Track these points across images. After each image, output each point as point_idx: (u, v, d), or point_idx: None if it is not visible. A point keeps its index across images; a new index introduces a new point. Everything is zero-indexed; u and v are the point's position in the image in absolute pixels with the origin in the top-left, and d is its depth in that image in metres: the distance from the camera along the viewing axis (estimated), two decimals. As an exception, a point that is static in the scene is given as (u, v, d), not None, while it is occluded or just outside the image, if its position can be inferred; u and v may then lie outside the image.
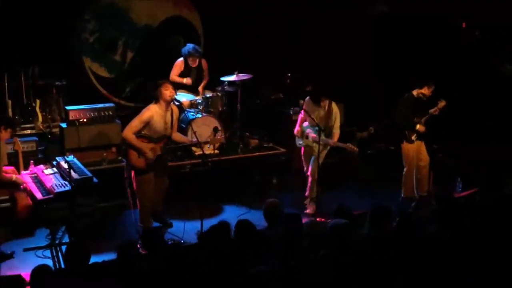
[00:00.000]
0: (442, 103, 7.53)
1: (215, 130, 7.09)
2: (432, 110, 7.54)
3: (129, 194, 6.99)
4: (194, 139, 6.60)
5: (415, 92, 7.55)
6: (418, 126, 7.55)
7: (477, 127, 9.21)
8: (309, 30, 9.82)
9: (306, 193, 7.50)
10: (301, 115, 7.52)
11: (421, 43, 9.58)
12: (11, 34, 8.11)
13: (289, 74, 8.82)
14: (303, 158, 7.62)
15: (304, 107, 7.38)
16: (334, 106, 7.37)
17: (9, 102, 8.02)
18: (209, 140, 6.93)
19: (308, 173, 7.44)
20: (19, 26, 8.18)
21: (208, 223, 6.66)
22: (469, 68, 9.42)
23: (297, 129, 7.53)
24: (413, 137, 7.61)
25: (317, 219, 6.86)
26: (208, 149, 7.40)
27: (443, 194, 5.57)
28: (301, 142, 7.54)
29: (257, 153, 8.57)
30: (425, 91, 7.50)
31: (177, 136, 6.84)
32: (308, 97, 7.45)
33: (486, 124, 9.16)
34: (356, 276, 4.14)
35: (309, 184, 7.44)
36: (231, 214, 7.43)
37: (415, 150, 7.65)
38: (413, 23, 9.66)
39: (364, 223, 4.94)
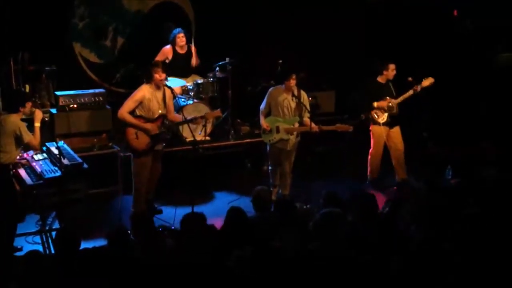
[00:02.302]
0: (428, 81, 7.52)
1: (206, 116, 7.08)
2: (413, 88, 7.55)
3: (121, 180, 6.99)
4: (189, 118, 6.71)
5: (379, 78, 7.67)
6: (376, 108, 7.61)
7: (469, 117, 9.25)
8: (302, 17, 9.79)
9: (286, 191, 7.26)
10: (262, 108, 7.19)
11: (413, 32, 9.58)
12: (0, 19, 8.03)
13: (281, 61, 8.80)
14: (271, 155, 7.27)
15: (268, 98, 7.14)
16: (303, 94, 7.16)
17: (-1, 87, 7.97)
18: (205, 114, 6.95)
19: (287, 169, 7.19)
20: (8, 11, 8.10)
21: (199, 209, 6.70)
22: (462, 57, 9.43)
23: (266, 124, 7.15)
24: (380, 120, 7.65)
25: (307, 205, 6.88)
26: (199, 136, 7.41)
27: (434, 181, 5.61)
28: (271, 138, 7.15)
29: (248, 140, 8.56)
30: (388, 74, 7.58)
31: (174, 117, 6.87)
32: (272, 88, 7.24)
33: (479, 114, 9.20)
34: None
35: (288, 182, 7.25)
36: (222, 200, 7.45)
37: (383, 133, 7.66)
38: (405, 11, 9.66)
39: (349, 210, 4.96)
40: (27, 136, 5.84)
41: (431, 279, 3.96)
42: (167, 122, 6.72)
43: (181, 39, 8.39)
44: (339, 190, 5.79)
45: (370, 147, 7.93)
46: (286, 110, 7.10)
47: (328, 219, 4.31)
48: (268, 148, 7.35)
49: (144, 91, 6.58)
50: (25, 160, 6.09)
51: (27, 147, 5.97)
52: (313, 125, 6.94)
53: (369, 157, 7.92)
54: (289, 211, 5.00)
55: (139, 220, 4.90)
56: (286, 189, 7.27)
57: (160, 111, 6.64)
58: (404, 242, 4.43)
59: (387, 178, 7.98)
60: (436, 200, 5.13)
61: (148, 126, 6.58)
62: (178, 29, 8.44)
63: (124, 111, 6.55)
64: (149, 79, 6.62)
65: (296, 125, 7.11)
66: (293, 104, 7.08)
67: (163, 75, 6.64)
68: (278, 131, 7.11)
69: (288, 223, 4.86)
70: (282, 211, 5.02)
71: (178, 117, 6.89)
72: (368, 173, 7.96)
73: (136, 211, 6.59)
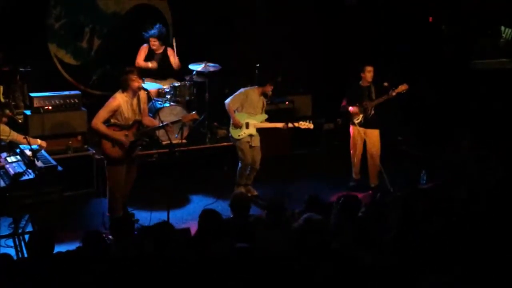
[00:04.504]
0: (403, 87, 7.63)
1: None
2: (388, 92, 7.64)
3: (98, 183, 6.90)
4: (165, 123, 6.58)
5: (361, 82, 7.80)
6: (350, 108, 7.76)
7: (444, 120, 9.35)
8: (279, 20, 9.83)
9: (250, 182, 7.64)
10: (232, 105, 7.43)
11: (390, 37, 9.68)
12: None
13: (258, 65, 8.82)
14: (246, 153, 7.48)
15: (242, 97, 7.44)
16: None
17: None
18: (181, 117, 6.91)
19: (256, 165, 7.56)
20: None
21: (175, 213, 6.70)
22: (439, 62, 9.54)
23: (236, 120, 7.41)
24: (355, 120, 7.78)
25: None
26: (176, 139, 7.37)
27: (407, 186, 5.66)
28: (241, 134, 7.44)
29: (225, 143, 8.55)
30: (365, 75, 7.70)
31: (148, 121, 6.76)
32: (248, 88, 7.51)
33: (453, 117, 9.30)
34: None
35: (252, 174, 7.62)
36: (198, 204, 7.41)
37: (359, 135, 7.80)
38: (382, 16, 9.76)
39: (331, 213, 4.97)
40: (11, 135, 5.96)
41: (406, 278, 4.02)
42: (142, 128, 6.61)
43: (152, 43, 8.38)
44: (321, 192, 5.88)
45: (348, 150, 8.02)
46: (258, 110, 7.52)
47: (309, 226, 4.34)
48: (239, 147, 7.49)
49: (119, 100, 6.39)
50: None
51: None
52: (280, 123, 7.52)
53: (351, 158, 8.02)
54: (281, 213, 5.01)
55: (119, 223, 4.86)
56: (251, 180, 7.68)
57: (134, 118, 6.50)
58: (379, 245, 4.47)
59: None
60: (411, 204, 5.17)
61: (123, 136, 6.41)
62: (152, 32, 8.40)
63: (98, 122, 6.35)
64: (125, 88, 6.42)
65: (265, 122, 7.54)
66: (262, 105, 7.56)
67: (141, 81, 6.54)
68: (247, 127, 7.46)
69: (274, 225, 4.87)
70: (274, 214, 5.01)
71: (152, 121, 6.82)
72: (352, 174, 8.06)
73: (113, 215, 6.50)
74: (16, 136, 6.14)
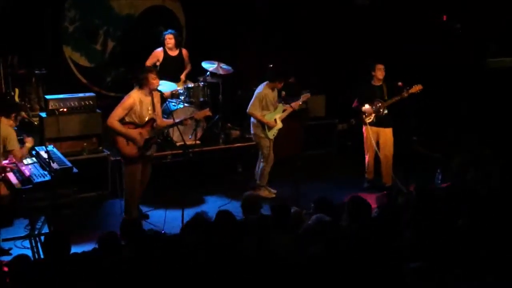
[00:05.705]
0: (417, 87, 7.58)
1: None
2: (401, 93, 7.61)
3: (113, 184, 6.94)
4: (178, 120, 6.67)
5: (372, 81, 7.78)
6: (363, 108, 7.73)
7: (458, 119, 9.30)
8: (292, 22, 9.83)
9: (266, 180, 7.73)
10: (256, 110, 7.53)
11: (403, 36, 9.63)
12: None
13: (271, 66, 8.83)
14: (270, 148, 7.65)
15: (263, 99, 7.52)
16: None
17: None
18: (194, 114, 6.93)
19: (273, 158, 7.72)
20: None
21: (189, 214, 6.71)
22: (452, 61, 9.49)
23: (271, 122, 7.57)
24: (367, 120, 7.75)
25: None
26: (190, 140, 7.39)
27: (422, 185, 5.63)
28: (275, 132, 7.64)
29: (238, 144, 8.57)
30: (376, 74, 7.69)
31: (162, 122, 6.77)
32: (261, 89, 7.56)
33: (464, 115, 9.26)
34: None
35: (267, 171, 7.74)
36: (212, 205, 7.44)
37: (372, 134, 7.76)
38: (395, 16, 9.72)
39: (342, 215, 4.96)
40: (12, 146, 5.89)
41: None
42: (156, 126, 6.66)
43: (168, 40, 8.39)
44: (333, 193, 5.87)
45: (361, 150, 8.01)
46: (275, 103, 7.73)
47: (318, 226, 4.34)
48: (265, 145, 7.59)
49: (134, 98, 6.45)
50: (14, 165, 6.05)
51: (6, 154, 5.96)
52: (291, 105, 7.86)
53: (367, 158, 8.02)
54: (284, 215, 5.00)
55: (129, 226, 4.88)
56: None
57: (149, 116, 6.55)
58: (395, 247, 4.46)
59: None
60: (426, 205, 5.14)
61: (137, 133, 6.47)
62: (169, 30, 8.45)
63: (113, 119, 6.40)
64: (143, 85, 6.46)
65: (284, 111, 7.75)
66: (274, 97, 7.72)
67: (158, 81, 6.59)
68: (275, 122, 7.64)
69: (280, 226, 4.87)
70: (278, 216, 5.01)
71: (166, 122, 6.84)
72: (365, 174, 8.05)
73: (128, 217, 6.53)
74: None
